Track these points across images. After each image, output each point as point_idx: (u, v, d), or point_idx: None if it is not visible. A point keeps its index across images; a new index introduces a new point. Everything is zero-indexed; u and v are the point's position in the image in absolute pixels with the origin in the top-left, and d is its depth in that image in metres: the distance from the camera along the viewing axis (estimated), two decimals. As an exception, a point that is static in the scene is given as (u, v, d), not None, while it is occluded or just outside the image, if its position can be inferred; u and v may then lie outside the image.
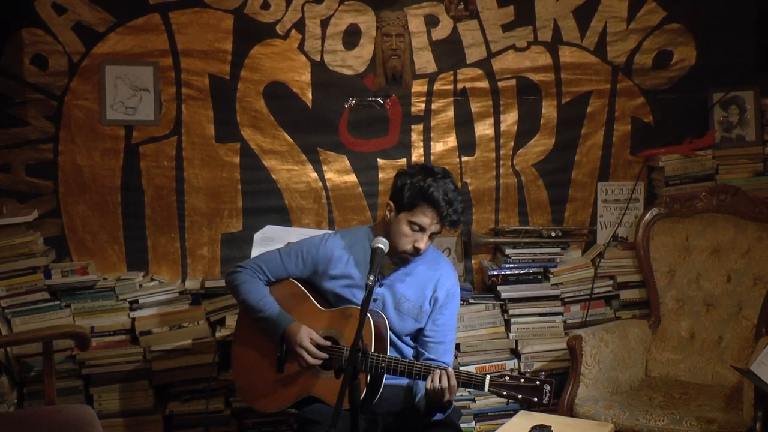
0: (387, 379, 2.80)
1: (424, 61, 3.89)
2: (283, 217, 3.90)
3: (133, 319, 3.68)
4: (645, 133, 4.02)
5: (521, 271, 3.89)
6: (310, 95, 3.86)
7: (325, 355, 2.83)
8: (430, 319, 2.96)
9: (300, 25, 3.82)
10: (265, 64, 3.82)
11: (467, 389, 3.57)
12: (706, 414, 3.16)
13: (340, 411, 2.30)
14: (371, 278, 2.50)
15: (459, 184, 3.77)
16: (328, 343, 2.85)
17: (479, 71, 3.93)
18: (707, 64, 3.97)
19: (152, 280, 3.84)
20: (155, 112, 3.78)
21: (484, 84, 3.94)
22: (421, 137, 3.95)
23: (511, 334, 3.85)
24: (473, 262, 4.04)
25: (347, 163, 3.93)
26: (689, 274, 3.77)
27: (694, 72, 3.99)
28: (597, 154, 4.03)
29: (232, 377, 3.42)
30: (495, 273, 3.88)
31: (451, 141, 3.97)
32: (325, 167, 3.92)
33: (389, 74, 3.87)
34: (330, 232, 3.17)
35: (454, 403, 2.78)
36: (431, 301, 2.95)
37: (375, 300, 2.91)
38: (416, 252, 2.84)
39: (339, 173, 3.93)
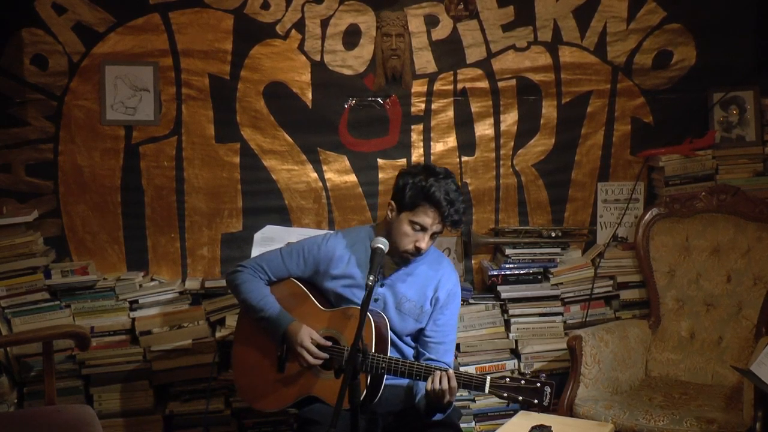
0: (387, 379, 2.80)
1: (424, 61, 3.89)
2: (283, 217, 3.90)
3: (133, 319, 3.68)
4: (645, 133, 4.02)
5: (521, 271, 3.89)
6: (310, 95, 3.86)
7: (325, 355, 2.83)
8: (431, 320, 2.96)
9: (300, 25, 3.82)
10: (265, 64, 3.82)
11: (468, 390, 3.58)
12: (706, 414, 3.16)
13: (340, 411, 2.30)
14: (371, 278, 2.50)
15: (459, 184, 3.76)
16: (329, 343, 2.85)
17: (479, 71, 3.93)
18: (707, 64, 3.97)
19: (152, 280, 3.84)
20: (155, 112, 3.79)
21: (484, 84, 3.94)
22: (421, 137, 3.95)
23: (511, 335, 3.85)
24: (473, 262, 4.04)
25: (347, 163, 3.93)
26: (689, 274, 3.77)
27: (694, 72, 3.99)
28: (597, 154, 4.03)
29: (232, 377, 3.42)
30: (495, 273, 3.88)
31: (451, 141, 3.97)
32: (325, 167, 3.92)
33: (389, 74, 3.87)
34: (331, 231, 3.17)
35: (454, 404, 2.78)
36: (432, 301, 2.95)
37: (376, 300, 2.91)
38: (417, 252, 2.84)
39: (339, 173, 3.93)
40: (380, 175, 3.94)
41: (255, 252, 3.50)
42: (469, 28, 3.90)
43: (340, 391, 2.34)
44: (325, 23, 3.83)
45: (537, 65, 3.95)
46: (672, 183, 3.90)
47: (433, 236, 2.85)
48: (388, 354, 2.80)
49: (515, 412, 2.95)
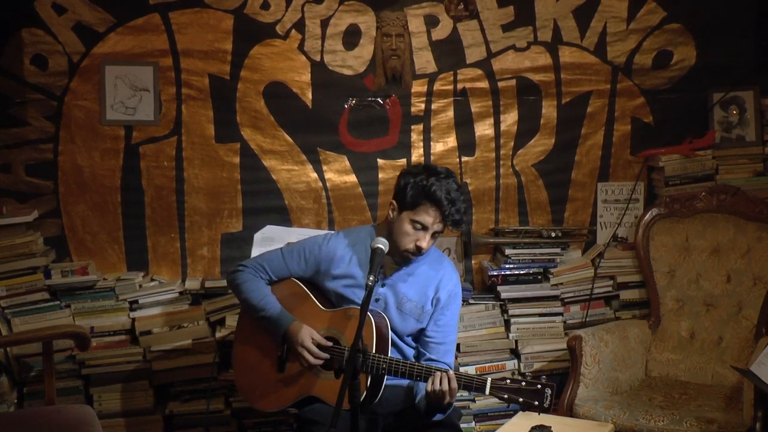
0: (387, 380, 2.80)
1: (424, 61, 3.89)
2: (283, 217, 3.90)
3: (133, 319, 3.68)
4: (645, 133, 4.02)
5: (521, 272, 3.89)
6: (310, 95, 3.86)
7: (326, 355, 2.83)
8: (431, 320, 2.96)
9: (300, 25, 3.82)
10: (265, 64, 3.82)
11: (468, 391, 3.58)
12: (706, 414, 3.16)
13: (339, 411, 2.30)
14: (371, 278, 2.50)
15: (459, 184, 3.76)
16: (330, 344, 2.85)
17: (479, 71, 3.93)
18: (707, 64, 3.97)
19: (152, 280, 3.84)
20: (155, 112, 3.78)
21: (484, 84, 3.94)
22: (421, 137, 3.95)
23: (511, 335, 3.85)
24: (473, 262, 4.03)
25: (347, 163, 3.93)
26: (689, 274, 3.77)
27: (694, 72, 3.99)
28: (597, 154, 4.03)
29: (232, 377, 3.43)
30: (495, 273, 3.88)
31: (451, 141, 3.97)
32: (325, 167, 3.92)
33: (389, 74, 3.87)
34: (332, 231, 3.17)
35: (454, 404, 2.78)
36: (433, 301, 2.95)
37: (377, 300, 2.91)
38: (418, 251, 2.84)
39: (339, 173, 3.93)
40: (380, 175, 3.94)
41: (255, 252, 3.50)
42: (469, 28, 3.90)
43: (340, 391, 2.34)
44: (325, 23, 3.83)
45: (537, 65, 3.95)
46: (672, 183, 3.90)
47: (434, 236, 2.85)
48: (389, 354, 2.80)
49: (515, 412, 2.95)
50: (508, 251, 3.89)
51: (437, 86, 3.91)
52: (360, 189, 3.94)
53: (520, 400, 2.58)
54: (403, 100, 3.91)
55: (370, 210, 3.95)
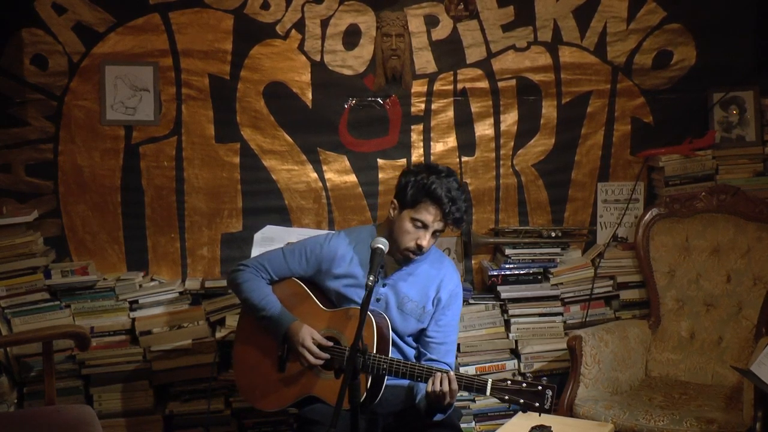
0: (388, 380, 2.80)
1: (424, 61, 3.89)
2: (283, 217, 3.90)
3: (133, 319, 3.68)
4: (645, 133, 4.02)
5: (521, 272, 3.89)
6: (310, 95, 3.86)
7: (326, 356, 2.83)
8: (432, 320, 2.96)
9: (300, 25, 3.82)
10: (265, 64, 3.82)
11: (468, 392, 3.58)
12: (706, 414, 3.16)
13: (339, 411, 2.30)
14: (371, 278, 2.50)
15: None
16: (330, 343, 2.85)
17: (479, 71, 3.93)
18: (707, 64, 3.97)
19: (152, 280, 3.84)
20: (155, 112, 3.78)
21: (484, 84, 3.94)
22: (421, 137, 3.95)
23: (511, 335, 3.85)
24: (473, 262, 4.03)
25: (347, 163, 3.93)
26: (689, 274, 3.77)
27: (694, 72, 3.99)
28: (597, 154, 4.03)
29: (232, 377, 3.43)
30: (495, 273, 3.88)
31: (451, 141, 3.97)
32: (325, 167, 3.92)
33: (389, 74, 3.87)
34: (334, 231, 3.17)
35: (455, 404, 2.78)
36: (434, 301, 2.95)
37: (378, 300, 2.91)
38: (419, 249, 2.84)
39: (339, 173, 3.93)
40: (380, 175, 3.95)
41: (255, 252, 3.50)
42: (469, 28, 3.90)
43: (339, 391, 2.34)
44: (325, 23, 3.83)
45: (537, 65, 3.95)
46: (672, 183, 3.90)
47: (434, 234, 2.85)
48: (390, 354, 2.80)
49: (515, 412, 2.95)
50: (508, 251, 3.89)
51: (437, 86, 3.91)
52: (360, 189, 3.94)
53: (521, 401, 2.58)
54: (403, 100, 3.91)
55: (370, 210, 3.95)
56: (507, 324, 3.86)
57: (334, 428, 2.28)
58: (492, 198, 4.02)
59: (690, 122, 4.00)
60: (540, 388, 2.57)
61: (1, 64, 3.67)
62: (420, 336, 2.98)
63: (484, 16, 3.89)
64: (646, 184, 4.04)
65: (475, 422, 3.80)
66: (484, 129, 3.98)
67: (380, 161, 3.95)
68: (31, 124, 3.73)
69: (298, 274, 3.00)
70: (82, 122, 3.76)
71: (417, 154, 3.95)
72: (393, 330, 2.89)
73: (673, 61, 3.98)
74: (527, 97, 3.97)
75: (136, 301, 3.70)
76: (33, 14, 3.66)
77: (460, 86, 3.93)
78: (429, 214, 2.81)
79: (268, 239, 3.56)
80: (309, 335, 2.83)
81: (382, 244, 2.65)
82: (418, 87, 3.90)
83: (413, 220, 2.82)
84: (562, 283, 3.89)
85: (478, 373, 3.73)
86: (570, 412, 3.36)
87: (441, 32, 3.89)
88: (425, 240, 2.83)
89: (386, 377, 2.77)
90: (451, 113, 3.95)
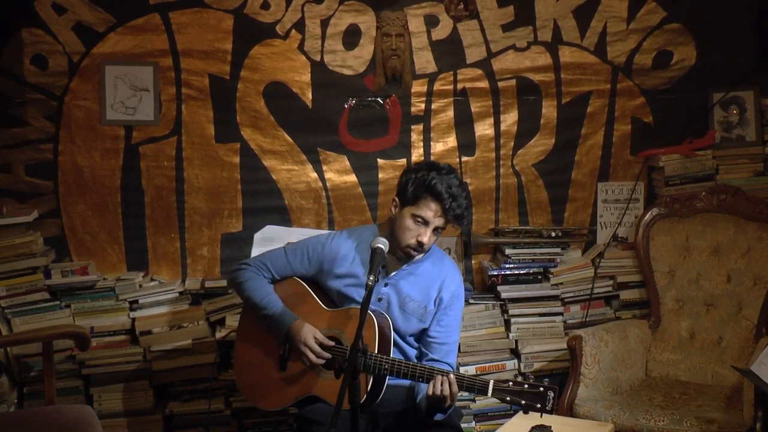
0: (388, 380, 2.80)
1: (424, 61, 3.89)
2: (283, 217, 3.90)
3: (133, 319, 3.68)
4: (645, 133, 4.02)
5: (521, 271, 3.89)
6: (310, 95, 3.86)
7: (328, 355, 2.82)
8: (434, 320, 2.96)
9: (300, 25, 3.82)
10: (265, 64, 3.82)
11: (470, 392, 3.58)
12: (706, 414, 3.16)
13: (340, 411, 2.30)
14: (371, 278, 2.50)
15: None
16: (332, 343, 2.85)
17: (479, 71, 3.93)
18: (707, 64, 3.97)
19: (152, 280, 3.84)
20: (155, 112, 3.78)
21: (484, 84, 3.94)
22: (421, 137, 3.95)
23: (511, 334, 3.85)
24: (473, 262, 4.03)
25: (347, 163, 3.93)
26: (689, 274, 3.77)
27: (694, 72, 3.99)
28: (597, 154, 4.03)
29: (232, 377, 3.43)
30: (495, 273, 3.88)
31: (451, 141, 3.97)
32: (325, 167, 3.92)
33: (389, 74, 3.87)
34: (335, 231, 3.17)
35: (455, 404, 2.78)
36: (436, 301, 2.95)
37: (380, 299, 2.91)
38: (420, 246, 2.84)
39: (339, 173, 3.93)
40: (380, 175, 3.95)
41: (255, 252, 3.51)
42: (469, 28, 3.90)
43: (340, 391, 2.33)
44: (325, 23, 3.83)
45: (537, 65, 3.95)
46: (672, 183, 3.90)
47: (435, 231, 2.85)
48: (391, 354, 2.80)
49: (515, 412, 2.95)
50: (508, 251, 3.89)
51: (437, 86, 3.91)
52: (360, 189, 3.94)
53: (523, 402, 2.58)
54: (403, 100, 3.91)
55: (370, 210, 3.95)
56: (507, 324, 3.86)
57: (334, 428, 2.28)
58: (492, 198, 4.02)
59: (690, 122, 4.00)
60: (542, 389, 2.57)
61: (1, 64, 3.67)
62: (422, 336, 2.98)
63: (484, 16, 3.89)
64: (646, 184, 4.04)
65: (476, 422, 3.81)
66: (484, 129, 3.98)
67: (380, 161, 3.95)
68: (31, 124, 3.73)
69: (300, 274, 3.00)
70: (82, 122, 3.76)
71: (417, 154, 3.95)
72: (394, 330, 2.89)
73: (673, 61, 3.98)
74: (527, 97, 3.97)
75: (136, 301, 3.70)
76: (33, 14, 3.66)
77: (460, 86, 3.93)
78: (429, 210, 2.81)
79: (268, 239, 3.56)
80: (311, 334, 2.82)
81: (382, 243, 2.65)
82: (418, 87, 3.90)
83: (414, 216, 2.82)
84: (562, 283, 3.89)
85: (478, 373, 3.73)
86: (570, 411, 3.36)
87: (441, 32, 3.89)
88: (426, 236, 2.83)
89: (387, 377, 2.77)
90: (451, 113, 3.95)
